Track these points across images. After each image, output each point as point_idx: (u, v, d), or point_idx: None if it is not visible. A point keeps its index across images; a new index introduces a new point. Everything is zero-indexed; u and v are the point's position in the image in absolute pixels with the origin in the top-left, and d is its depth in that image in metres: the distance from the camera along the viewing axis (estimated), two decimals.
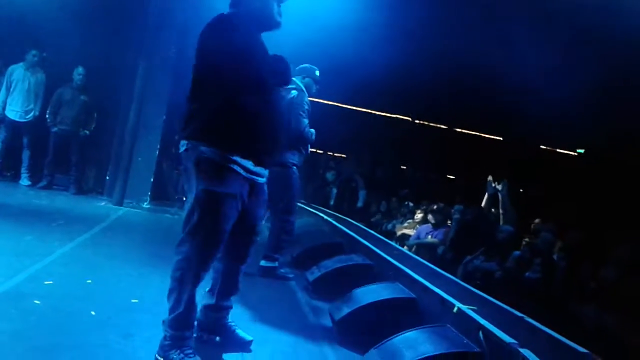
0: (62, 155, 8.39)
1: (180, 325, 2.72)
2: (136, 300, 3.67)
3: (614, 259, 5.35)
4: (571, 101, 9.87)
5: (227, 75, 2.63)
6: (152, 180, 8.38)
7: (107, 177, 8.56)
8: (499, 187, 7.58)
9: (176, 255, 2.74)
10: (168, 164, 9.40)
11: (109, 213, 7.19)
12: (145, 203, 8.23)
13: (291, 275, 5.09)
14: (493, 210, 7.79)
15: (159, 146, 8.41)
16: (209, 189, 2.67)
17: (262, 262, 4.99)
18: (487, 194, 7.96)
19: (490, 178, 8.09)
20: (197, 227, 2.69)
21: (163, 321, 2.80)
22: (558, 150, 14.85)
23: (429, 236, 8.04)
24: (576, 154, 14.65)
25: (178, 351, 2.68)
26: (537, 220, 6.79)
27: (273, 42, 2.98)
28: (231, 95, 2.65)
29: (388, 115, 14.55)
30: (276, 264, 5.05)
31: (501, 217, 7.37)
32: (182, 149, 2.78)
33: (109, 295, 3.70)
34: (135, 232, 6.51)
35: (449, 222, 8.15)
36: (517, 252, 5.99)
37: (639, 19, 7.12)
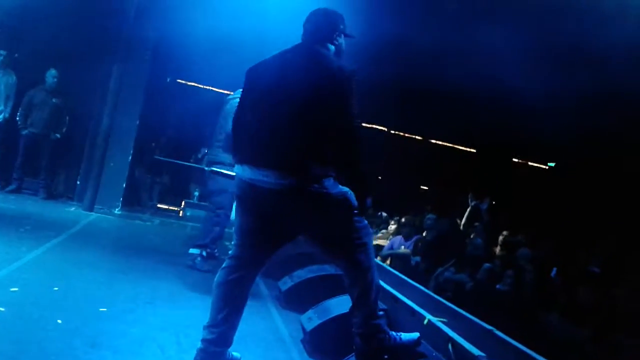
0: (32, 158, 8.21)
1: None
2: (105, 309, 3.61)
3: (582, 270, 5.47)
4: (544, 114, 10.09)
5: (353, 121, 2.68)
6: (124, 186, 8.26)
7: (78, 182, 8.41)
8: (482, 205, 7.74)
9: None
10: (141, 170, 9.29)
11: (79, 219, 7.07)
12: (116, 209, 8.11)
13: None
14: (476, 224, 7.92)
15: (132, 152, 8.29)
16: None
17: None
18: (468, 209, 8.10)
19: (470, 194, 8.26)
20: None
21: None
22: (530, 163, 15.12)
23: (402, 247, 8.09)
24: (547, 167, 14.94)
25: None
26: (505, 233, 6.89)
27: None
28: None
29: (363, 125, 14.64)
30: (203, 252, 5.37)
31: (477, 230, 7.49)
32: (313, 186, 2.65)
33: (77, 303, 3.63)
34: (106, 239, 6.40)
35: (424, 233, 8.22)
36: (488, 265, 6.06)
37: (616, 34, 7.29)
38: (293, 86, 2.66)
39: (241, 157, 2.78)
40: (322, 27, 2.88)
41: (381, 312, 2.90)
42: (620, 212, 9.60)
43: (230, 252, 2.90)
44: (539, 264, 5.57)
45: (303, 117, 2.61)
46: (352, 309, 2.87)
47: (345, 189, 2.70)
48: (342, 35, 2.94)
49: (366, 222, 2.83)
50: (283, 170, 2.61)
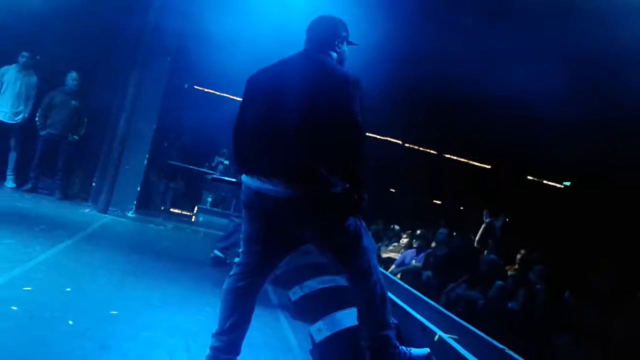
0: (49, 159, 8.30)
1: None
2: (115, 312, 3.62)
3: (595, 291, 5.40)
4: (560, 133, 10.02)
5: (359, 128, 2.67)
6: (138, 189, 8.33)
7: (93, 184, 8.49)
8: (497, 222, 7.69)
9: None
10: (155, 174, 9.36)
11: (92, 220, 7.12)
12: (130, 212, 8.17)
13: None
14: (490, 241, 7.87)
15: (147, 156, 8.36)
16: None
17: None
18: (483, 225, 8.06)
19: (486, 211, 8.22)
20: None
21: None
22: (544, 181, 14.99)
23: (414, 261, 8.04)
24: (562, 186, 14.80)
25: None
26: (522, 251, 6.82)
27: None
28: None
29: (378, 137, 14.62)
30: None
31: (490, 247, 7.43)
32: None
33: (88, 304, 3.65)
34: (119, 241, 6.43)
35: (433, 244, 8.17)
36: (500, 282, 6.00)
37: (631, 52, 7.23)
38: (297, 94, 2.67)
39: (247, 168, 2.79)
40: (324, 34, 2.89)
41: (392, 323, 2.85)
42: (633, 234, 9.47)
43: (237, 259, 2.89)
44: (552, 284, 5.50)
45: (309, 125, 2.62)
46: (359, 320, 2.85)
47: (350, 196, 2.68)
48: (345, 43, 2.95)
49: (366, 227, 2.81)
50: (290, 179, 2.61)
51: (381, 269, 6.77)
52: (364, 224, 2.79)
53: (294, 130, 2.63)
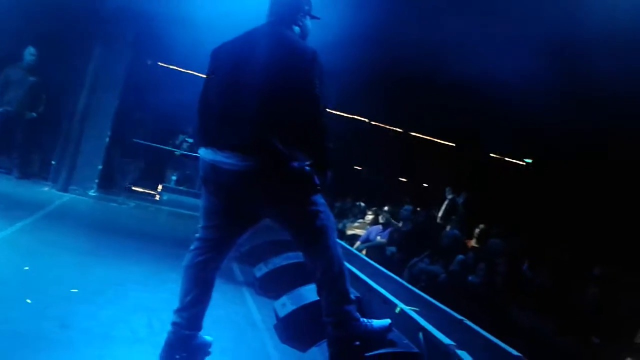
0: (6, 137, 8.03)
1: None
2: (76, 290, 3.57)
3: (552, 266, 5.58)
4: (523, 111, 10.20)
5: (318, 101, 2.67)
6: (100, 167, 8.15)
7: (53, 162, 8.27)
8: (459, 198, 7.82)
9: None
10: (118, 152, 9.17)
11: (52, 199, 6.96)
12: (91, 191, 8.01)
13: None
14: (453, 217, 8.01)
15: (109, 133, 8.18)
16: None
17: None
18: (445, 202, 8.19)
19: (448, 188, 8.36)
20: None
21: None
22: (507, 158, 15.29)
23: (379, 237, 8.15)
24: (524, 163, 15.13)
25: None
26: (481, 226, 6.98)
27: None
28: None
29: (344, 115, 14.64)
30: None
31: (453, 222, 7.57)
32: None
33: (47, 283, 3.58)
34: (79, 220, 6.32)
35: (400, 224, 8.29)
36: (461, 256, 6.14)
37: (596, 31, 7.37)
38: (257, 67, 2.66)
39: (204, 140, 2.77)
40: (287, 7, 2.87)
41: (353, 298, 2.88)
42: (593, 209, 9.79)
43: (197, 234, 2.87)
44: (511, 257, 5.66)
45: (267, 98, 2.61)
46: (319, 295, 2.87)
47: (308, 168, 2.67)
48: (307, 17, 2.93)
49: (325, 203, 2.81)
50: (246, 151, 2.60)
51: (346, 245, 6.87)
52: (322, 200, 2.79)
53: (252, 102, 2.61)
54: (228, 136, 2.65)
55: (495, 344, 3.11)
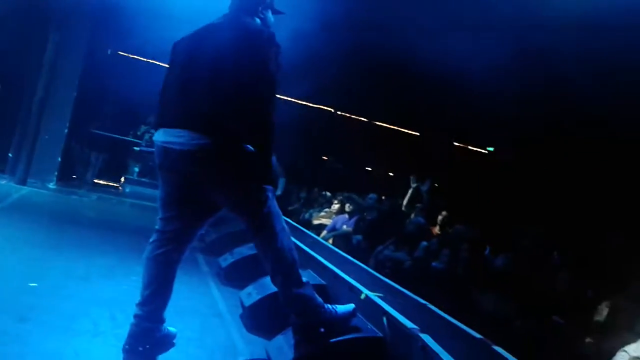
0: None
1: None
2: (35, 284, 3.49)
3: (513, 250, 5.71)
4: (485, 100, 10.38)
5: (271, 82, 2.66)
6: (59, 159, 7.94)
7: (10, 154, 8.02)
8: (423, 186, 7.91)
9: None
10: (78, 144, 8.96)
11: (10, 192, 6.78)
12: (51, 183, 7.81)
13: None
14: (418, 205, 8.09)
15: (68, 124, 7.97)
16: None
17: None
18: (410, 190, 8.27)
19: (413, 176, 8.44)
20: None
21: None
22: (469, 147, 15.55)
23: (345, 226, 8.19)
24: (486, 151, 15.42)
25: None
26: (444, 213, 7.09)
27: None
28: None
29: (310, 105, 14.63)
30: None
31: (417, 210, 7.66)
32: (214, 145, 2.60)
33: (6, 278, 3.50)
34: (39, 214, 6.17)
35: (365, 214, 8.34)
36: (425, 243, 6.23)
37: (557, 20, 7.53)
38: (212, 51, 2.65)
39: (158, 123, 2.76)
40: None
41: (305, 282, 2.86)
42: (554, 194, 10.06)
43: (156, 226, 2.83)
44: (473, 243, 5.77)
45: (219, 77, 2.59)
46: (272, 281, 2.85)
47: (255, 153, 2.64)
48: (269, 10, 2.92)
49: (270, 190, 2.77)
50: (196, 129, 2.57)
51: (313, 235, 6.89)
52: (270, 188, 2.79)
53: (204, 83, 2.60)
54: (180, 115, 2.64)
55: (458, 327, 3.19)
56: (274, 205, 2.78)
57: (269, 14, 2.93)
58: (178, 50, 2.82)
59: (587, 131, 9.68)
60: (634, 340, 3.21)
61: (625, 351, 3.19)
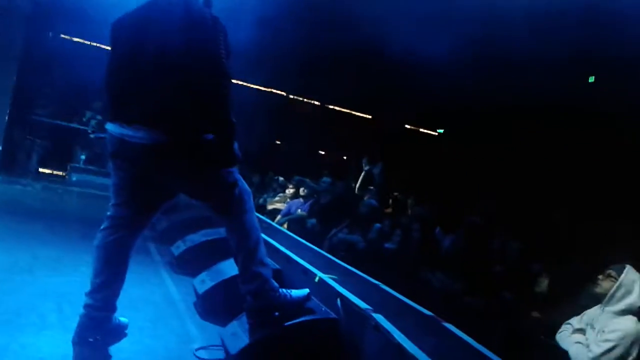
0: None
1: None
2: None
3: (461, 229, 5.87)
4: (435, 82, 10.55)
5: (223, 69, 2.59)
6: (0, 148, 7.61)
7: None
8: (375, 169, 7.98)
9: None
10: (19, 132, 8.60)
11: None
12: None
13: None
14: (370, 187, 8.17)
15: (8, 111, 7.63)
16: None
17: None
18: (362, 173, 8.34)
19: (365, 159, 8.50)
20: None
21: None
22: (421, 129, 15.79)
23: (299, 210, 8.20)
24: (436, 133, 15.69)
25: None
26: (395, 194, 7.21)
27: None
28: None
29: (262, 89, 14.49)
30: None
31: (370, 192, 7.74)
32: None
33: None
34: None
35: (319, 197, 8.36)
36: (378, 225, 6.32)
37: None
38: (157, 36, 2.57)
39: (111, 114, 2.67)
40: None
41: (267, 264, 2.89)
42: (501, 173, 10.36)
43: (108, 212, 2.77)
44: (424, 223, 5.90)
45: (169, 68, 2.53)
46: (235, 262, 2.87)
47: (223, 146, 2.63)
48: None
49: (236, 171, 2.79)
50: (154, 124, 2.52)
51: (267, 220, 6.87)
52: (236, 169, 2.77)
53: (156, 74, 2.53)
54: (134, 109, 2.56)
55: (409, 306, 3.27)
56: (243, 183, 2.81)
57: None
58: (119, 32, 2.70)
59: (532, 109, 9.99)
60: (577, 313, 3.35)
61: (570, 324, 3.32)
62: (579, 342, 3.13)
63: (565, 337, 3.25)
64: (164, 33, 2.57)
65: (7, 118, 7.72)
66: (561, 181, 9.08)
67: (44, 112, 10.04)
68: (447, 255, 5.31)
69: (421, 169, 12.42)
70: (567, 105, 9.42)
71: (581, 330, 3.22)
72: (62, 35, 11.78)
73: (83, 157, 9.69)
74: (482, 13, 8.22)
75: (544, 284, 4.63)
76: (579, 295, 3.72)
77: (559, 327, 3.38)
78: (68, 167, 9.32)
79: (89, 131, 9.35)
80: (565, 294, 4.14)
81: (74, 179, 8.89)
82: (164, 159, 2.59)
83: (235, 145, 2.68)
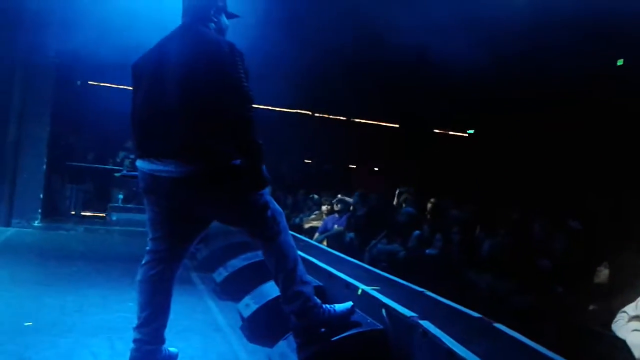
0: None
1: None
2: (30, 323, 3.45)
3: (503, 230, 5.74)
4: (460, 85, 10.48)
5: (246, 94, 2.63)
6: (41, 196, 7.86)
7: None
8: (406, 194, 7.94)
9: None
10: (59, 178, 8.87)
11: None
12: (36, 221, 7.72)
13: None
14: (406, 196, 8.10)
15: (46, 159, 7.89)
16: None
17: None
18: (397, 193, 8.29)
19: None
20: None
21: None
22: (450, 132, 15.65)
23: (336, 225, 8.19)
24: (467, 134, 15.52)
25: None
26: (433, 200, 7.12)
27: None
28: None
29: (288, 110, 14.63)
30: None
31: (408, 201, 7.69)
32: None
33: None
34: (27, 252, 6.08)
35: (354, 211, 8.34)
36: (417, 232, 6.26)
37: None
38: (177, 69, 2.61)
39: (139, 151, 2.73)
40: (199, 4, 2.81)
41: (307, 282, 2.89)
42: (534, 170, 10.17)
43: (147, 247, 2.81)
44: (463, 225, 5.81)
45: (192, 99, 2.56)
46: (275, 281, 2.88)
47: (252, 169, 2.64)
48: (223, 14, 2.88)
49: (267, 193, 2.80)
50: (183, 157, 2.56)
51: (306, 238, 6.88)
52: (267, 191, 2.80)
53: (179, 106, 2.57)
54: (161, 144, 2.61)
55: (456, 309, 3.20)
56: (274, 204, 2.83)
57: (223, 18, 2.89)
58: (139, 71, 2.77)
59: (560, 99, 9.82)
60: (634, 299, 3.22)
61: (625, 312, 3.19)
62: (637, 330, 3.00)
63: (621, 325, 3.12)
64: (182, 65, 2.62)
65: (44, 167, 7.95)
66: (597, 169, 8.86)
67: (80, 158, 10.36)
68: (490, 256, 5.20)
69: (455, 171, 12.28)
70: (595, 91, 9.23)
71: (637, 318, 3.09)
72: (90, 82, 12.19)
73: (121, 196, 9.93)
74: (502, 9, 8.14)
75: (603, 273, 4.45)
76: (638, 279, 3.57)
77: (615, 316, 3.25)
78: (108, 208, 9.56)
79: (124, 170, 9.58)
80: (624, 280, 3.97)
81: (114, 218, 9.10)
82: (195, 190, 2.62)
83: (264, 167, 2.70)
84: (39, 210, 7.84)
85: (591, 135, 9.51)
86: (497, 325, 2.92)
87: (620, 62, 9.89)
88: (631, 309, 3.18)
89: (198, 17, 2.79)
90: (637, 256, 4.20)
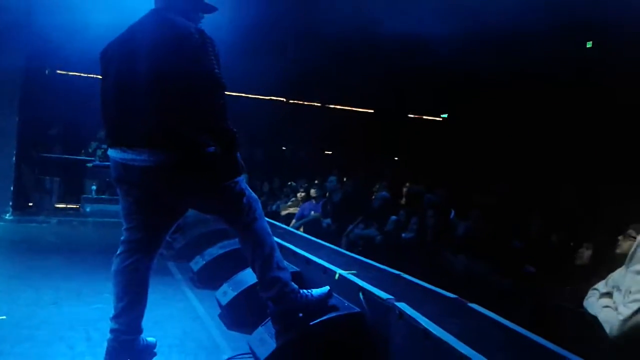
0: None
1: None
2: (4, 317, 3.40)
3: (477, 212, 5.83)
4: (430, 66, 10.54)
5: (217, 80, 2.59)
6: (12, 189, 7.70)
7: None
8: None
9: None
10: (29, 170, 8.69)
11: None
12: (7, 215, 7.58)
13: None
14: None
15: (15, 151, 7.72)
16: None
17: None
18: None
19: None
20: None
21: None
22: (424, 117, 15.74)
23: (312, 212, 8.23)
24: (440, 119, 15.64)
25: None
26: (408, 184, 7.19)
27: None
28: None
29: (261, 97, 14.52)
30: None
31: (382, 186, 7.74)
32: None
33: None
34: None
35: (330, 197, 8.38)
36: (394, 217, 6.32)
37: None
38: (147, 56, 2.57)
39: (110, 140, 2.70)
40: None
41: (284, 267, 2.90)
42: (508, 155, 10.31)
43: (122, 237, 2.78)
44: (439, 209, 5.87)
45: (161, 86, 2.53)
46: (252, 267, 2.88)
47: (227, 157, 2.63)
48: (199, 11, 2.82)
49: (242, 180, 2.79)
50: (155, 145, 2.53)
51: (283, 225, 6.89)
52: (242, 178, 2.78)
53: (149, 93, 2.54)
54: (133, 133, 2.57)
55: (432, 291, 3.26)
56: (250, 191, 2.81)
57: (194, 5, 2.81)
58: (108, 59, 2.72)
59: (533, 81, 9.94)
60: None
61: (596, 289, 3.27)
62: (607, 306, 3.09)
63: (593, 302, 3.21)
64: (152, 53, 2.58)
65: (13, 159, 7.79)
66: (567, 154, 9.03)
67: (51, 149, 10.16)
68: (465, 238, 5.28)
69: (430, 156, 12.38)
70: (567, 72, 9.38)
71: (608, 294, 3.17)
72: (58, 71, 11.91)
73: (94, 187, 9.77)
74: None
75: (585, 254, 4.52)
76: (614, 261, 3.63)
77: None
78: (81, 199, 9.42)
79: (96, 160, 9.43)
80: (604, 262, 4.03)
81: (88, 209, 8.98)
82: (169, 179, 2.59)
83: (238, 155, 2.69)
84: (10, 203, 7.69)
85: (565, 118, 9.66)
86: (472, 305, 2.98)
87: (589, 45, 10.05)
88: (602, 285, 3.27)
89: (169, 4, 2.74)
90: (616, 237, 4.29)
